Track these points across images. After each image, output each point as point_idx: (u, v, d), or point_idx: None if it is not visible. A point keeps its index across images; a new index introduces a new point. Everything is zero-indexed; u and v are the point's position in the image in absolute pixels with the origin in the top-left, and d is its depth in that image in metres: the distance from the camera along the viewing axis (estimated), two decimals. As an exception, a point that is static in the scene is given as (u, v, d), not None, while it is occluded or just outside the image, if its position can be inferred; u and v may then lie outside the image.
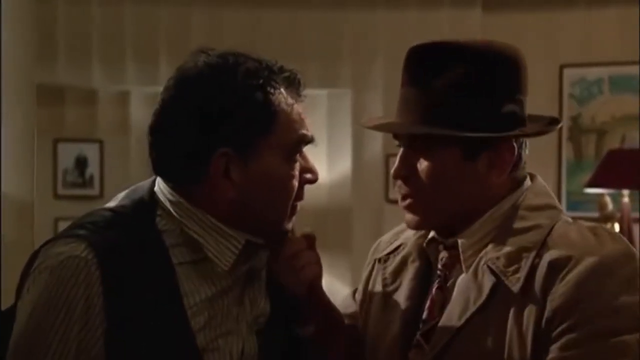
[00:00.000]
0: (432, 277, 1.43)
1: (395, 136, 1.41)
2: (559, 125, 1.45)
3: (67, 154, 4.69)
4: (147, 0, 4.53)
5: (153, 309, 1.23)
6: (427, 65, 1.34)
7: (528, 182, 1.41)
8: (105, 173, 4.70)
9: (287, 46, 4.52)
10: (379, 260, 1.53)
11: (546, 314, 1.25)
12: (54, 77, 4.43)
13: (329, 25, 4.61)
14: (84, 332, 1.20)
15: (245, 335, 1.34)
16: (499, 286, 1.30)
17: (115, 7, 4.50)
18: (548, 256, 1.29)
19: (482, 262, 1.33)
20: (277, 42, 4.51)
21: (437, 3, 4.48)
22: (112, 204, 1.33)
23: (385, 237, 1.60)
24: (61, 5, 4.45)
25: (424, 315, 1.39)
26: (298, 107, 1.34)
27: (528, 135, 1.37)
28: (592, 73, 4.58)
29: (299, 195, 1.35)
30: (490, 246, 1.34)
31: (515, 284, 1.29)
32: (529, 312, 1.27)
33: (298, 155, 1.32)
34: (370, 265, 1.57)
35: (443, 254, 1.41)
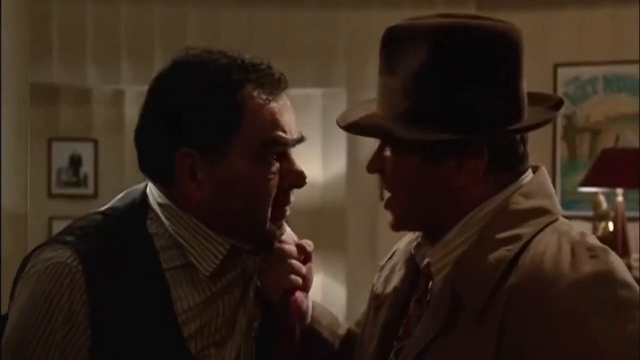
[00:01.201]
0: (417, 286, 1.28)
1: None
2: (558, 112, 1.24)
3: (62, 153, 4.69)
4: (141, 0, 4.52)
5: (142, 316, 1.22)
6: (389, 50, 1.19)
7: (524, 179, 1.20)
8: (99, 172, 4.69)
9: (282, 45, 4.52)
10: (380, 267, 1.40)
11: (504, 352, 1.08)
12: (49, 76, 4.42)
13: (324, 25, 4.61)
14: (67, 339, 1.19)
15: (239, 341, 1.31)
16: (457, 311, 1.12)
17: (110, 6, 4.49)
18: (513, 282, 1.09)
19: (449, 277, 1.17)
20: (272, 42, 4.51)
21: (431, 2, 4.48)
22: (107, 205, 1.32)
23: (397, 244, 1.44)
24: (55, 4, 4.45)
25: (400, 332, 1.25)
26: (273, 107, 1.26)
27: (491, 139, 1.15)
28: (586, 72, 4.59)
29: (284, 200, 1.29)
30: (461, 259, 1.16)
31: (472, 310, 1.11)
32: (485, 345, 1.09)
33: (276, 157, 1.26)
34: (376, 274, 1.43)
35: (425, 261, 1.23)
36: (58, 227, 4.57)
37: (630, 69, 4.44)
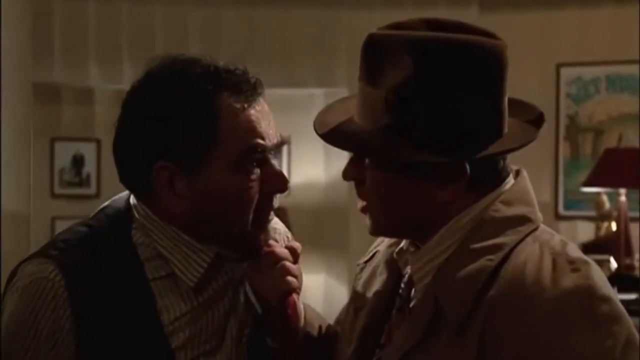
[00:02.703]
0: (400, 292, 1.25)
1: None
2: (538, 132, 1.19)
3: (64, 153, 4.69)
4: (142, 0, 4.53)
5: (128, 328, 1.21)
6: (370, 60, 1.16)
7: (505, 185, 1.17)
8: (102, 172, 4.69)
9: (283, 45, 4.52)
10: (360, 267, 1.36)
11: None
12: (51, 76, 4.42)
13: (325, 24, 4.61)
14: (52, 354, 1.19)
15: (230, 349, 1.30)
16: (438, 320, 1.11)
17: (112, 6, 4.50)
18: (494, 294, 1.08)
19: (430, 286, 1.14)
20: (273, 42, 4.51)
21: (433, 2, 4.48)
22: (91, 215, 1.32)
23: (375, 244, 1.42)
24: (57, 4, 4.45)
25: (382, 339, 1.22)
26: (250, 114, 1.23)
27: (472, 161, 1.12)
28: (589, 72, 4.58)
29: (267, 206, 1.26)
30: (441, 268, 1.14)
31: (453, 321, 1.09)
32: (465, 356, 1.07)
33: (256, 163, 1.23)
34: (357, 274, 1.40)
35: (408, 269, 1.21)
36: (61, 227, 4.57)
37: (633, 69, 4.43)
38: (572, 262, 1.10)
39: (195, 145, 1.21)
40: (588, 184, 4.09)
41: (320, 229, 4.70)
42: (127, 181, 1.28)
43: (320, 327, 1.41)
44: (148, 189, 1.23)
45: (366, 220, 1.23)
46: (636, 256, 4.10)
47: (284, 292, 1.28)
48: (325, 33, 4.61)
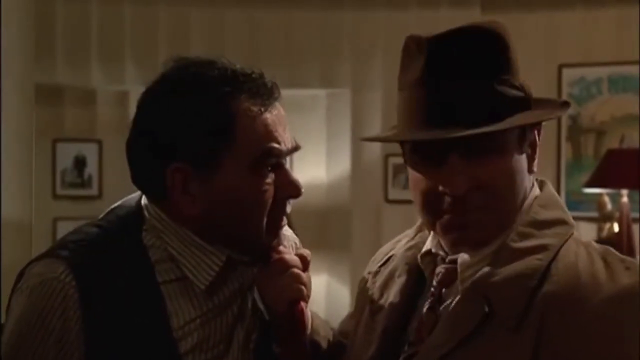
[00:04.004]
0: (422, 294, 1.27)
1: (427, 148, 1.18)
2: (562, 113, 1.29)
3: (66, 154, 4.69)
4: (146, 0, 4.53)
5: (137, 331, 1.20)
6: (455, 57, 1.15)
7: (536, 190, 1.24)
8: (104, 173, 4.69)
9: (286, 46, 4.52)
10: (372, 273, 1.38)
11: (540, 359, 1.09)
12: (53, 77, 4.43)
13: (328, 25, 4.61)
14: (61, 355, 1.19)
15: (237, 355, 1.29)
16: (490, 317, 1.13)
17: (114, 7, 4.50)
18: (550, 290, 1.12)
19: (476, 286, 1.17)
20: (276, 43, 4.51)
21: (436, 3, 4.48)
22: (102, 216, 1.31)
23: (383, 249, 1.45)
24: (60, 5, 4.45)
25: (411, 337, 1.24)
26: (266, 118, 1.23)
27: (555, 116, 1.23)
28: (591, 73, 4.58)
29: (280, 211, 1.26)
30: (488, 268, 1.17)
31: (508, 318, 1.12)
32: (521, 353, 1.10)
33: (271, 168, 1.23)
34: (363, 281, 1.42)
35: (440, 269, 1.24)
36: (62, 228, 4.58)
37: (635, 70, 4.42)
38: (622, 260, 1.16)
39: (210, 148, 1.20)
40: (590, 184, 4.08)
41: (322, 230, 4.70)
42: (140, 182, 1.27)
43: (325, 336, 1.42)
44: (161, 191, 1.23)
45: (463, 237, 1.19)
46: (638, 257, 4.09)
47: (292, 299, 1.28)
48: (328, 34, 4.61)
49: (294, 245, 1.40)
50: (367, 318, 1.32)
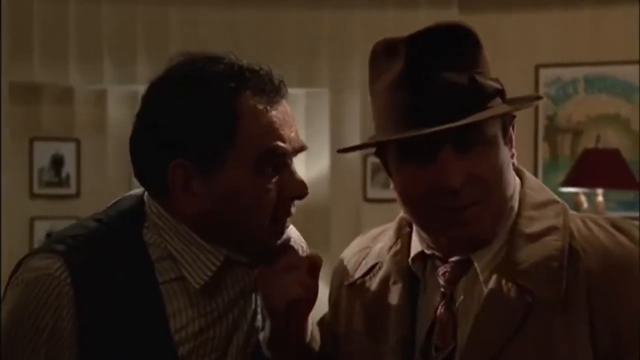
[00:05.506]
0: (418, 297, 1.25)
1: (417, 146, 1.16)
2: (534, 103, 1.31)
3: (43, 153, 4.65)
4: (124, -1, 4.51)
5: (134, 332, 1.17)
6: (435, 53, 1.15)
7: (517, 179, 1.25)
8: (81, 172, 4.66)
9: (265, 45, 4.52)
10: (351, 284, 1.33)
11: (606, 337, 1.12)
12: (30, 75, 4.39)
13: (306, 25, 4.61)
14: (52, 354, 1.16)
15: (235, 358, 1.26)
16: (534, 304, 1.14)
17: (92, 5, 4.47)
18: (586, 266, 1.15)
19: (503, 279, 1.16)
20: (255, 42, 4.51)
21: (414, 3, 4.49)
22: (102, 210, 1.28)
23: (348, 256, 1.39)
24: (37, 3, 4.42)
25: (435, 341, 1.20)
26: (272, 115, 1.19)
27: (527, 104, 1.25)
28: (568, 73, 4.62)
29: (285, 212, 1.22)
30: (506, 259, 1.17)
31: (554, 303, 1.13)
32: (579, 330, 1.12)
33: (275, 168, 1.20)
34: (336, 292, 1.37)
35: (444, 268, 1.22)
36: (40, 227, 4.55)
37: (611, 70, 4.47)
38: (631, 224, 1.20)
39: (213, 144, 1.17)
40: (566, 184, 4.12)
41: (301, 229, 4.69)
42: (142, 178, 1.24)
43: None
44: (163, 187, 1.20)
45: (461, 233, 1.17)
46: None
47: (292, 299, 1.21)
48: (307, 34, 4.61)
49: (300, 248, 1.36)
50: (363, 332, 1.27)
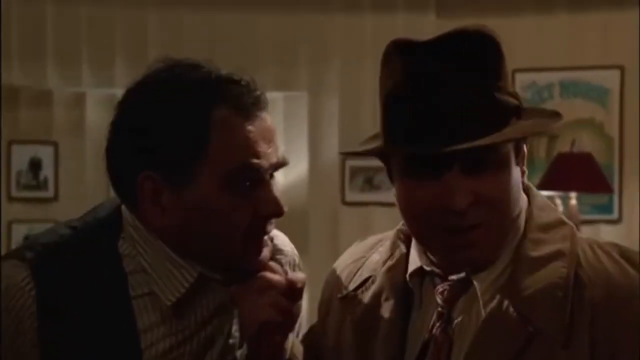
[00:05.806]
0: (412, 313, 1.20)
1: (424, 161, 1.09)
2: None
3: (21, 156, 4.64)
4: (102, 2, 4.50)
5: (102, 348, 1.12)
6: (451, 63, 1.08)
7: (524, 196, 1.18)
8: (59, 175, 4.65)
9: (244, 49, 4.53)
10: (344, 297, 1.26)
11: None
12: (8, 77, 4.37)
13: (285, 28, 4.63)
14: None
15: None
16: (535, 335, 1.08)
17: (70, 8, 4.46)
18: (592, 296, 1.09)
19: (504, 303, 1.10)
20: (234, 45, 4.52)
21: (392, 8, 4.53)
22: (78, 217, 1.23)
23: (342, 266, 1.33)
24: (15, 6, 4.40)
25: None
26: (248, 130, 1.13)
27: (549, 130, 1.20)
28: (543, 78, 4.67)
29: (260, 231, 1.17)
30: (509, 282, 1.11)
31: (556, 333, 1.07)
32: None
33: (251, 184, 1.14)
34: (327, 304, 1.31)
35: (443, 287, 1.16)
36: (17, 230, 4.53)
37: (586, 75, 4.53)
38: (631, 250, 1.15)
39: (183, 157, 1.12)
40: (541, 187, 4.16)
41: (279, 232, 4.71)
42: (116, 189, 1.19)
43: None
44: (134, 199, 1.15)
45: (468, 254, 1.12)
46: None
47: (263, 322, 1.16)
48: (285, 37, 4.63)
49: (291, 262, 1.31)
50: (352, 348, 1.22)
